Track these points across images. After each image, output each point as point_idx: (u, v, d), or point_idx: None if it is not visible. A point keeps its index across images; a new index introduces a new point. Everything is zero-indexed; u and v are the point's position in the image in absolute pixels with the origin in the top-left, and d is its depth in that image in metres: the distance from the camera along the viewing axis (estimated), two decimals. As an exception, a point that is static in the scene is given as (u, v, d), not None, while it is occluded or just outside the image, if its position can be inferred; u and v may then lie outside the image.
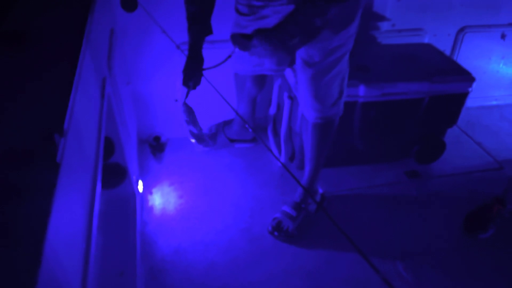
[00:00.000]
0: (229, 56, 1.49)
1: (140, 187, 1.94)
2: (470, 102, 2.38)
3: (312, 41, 1.41)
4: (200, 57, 1.54)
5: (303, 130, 1.88)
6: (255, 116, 2.22)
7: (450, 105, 2.06)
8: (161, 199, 2.00)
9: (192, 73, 1.54)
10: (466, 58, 2.52)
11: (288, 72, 1.92)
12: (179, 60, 1.98)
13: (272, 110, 2.32)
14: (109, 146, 1.53)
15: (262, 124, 2.43)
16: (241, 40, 1.37)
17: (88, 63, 1.19)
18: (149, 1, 1.77)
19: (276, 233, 1.82)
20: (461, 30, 2.47)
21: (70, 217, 0.80)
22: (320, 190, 2.00)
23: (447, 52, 2.51)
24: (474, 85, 2.01)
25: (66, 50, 1.06)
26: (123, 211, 1.72)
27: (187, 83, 1.55)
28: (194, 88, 1.57)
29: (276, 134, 2.34)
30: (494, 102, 2.83)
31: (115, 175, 1.64)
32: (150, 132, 2.35)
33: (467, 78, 1.97)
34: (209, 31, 1.51)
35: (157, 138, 2.34)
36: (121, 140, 1.56)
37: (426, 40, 2.42)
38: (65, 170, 0.75)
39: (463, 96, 2.03)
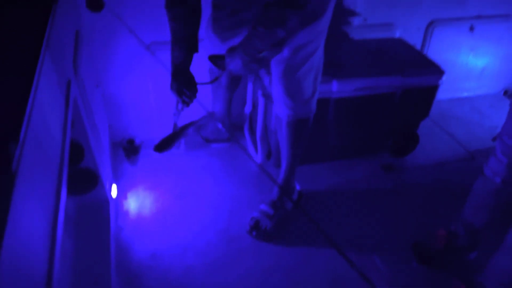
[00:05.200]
0: (217, 78, 1.55)
1: (114, 191, 1.90)
2: (441, 95, 2.42)
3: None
4: (189, 74, 1.53)
5: (277, 128, 1.87)
6: (231, 115, 2.20)
7: (421, 98, 2.09)
8: (136, 203, 1.96)
9: (186, 88, 1.52)
10: (436, 51, 2.56)
11: (262, 70, 1.90)
12: (150, 60, 1.95)
13: (248, 108, 2.30)
14: (78, 151, 1.49)
15: (238, 122, 2.41)
16: (216, 61, 1.43)
17: (49, 66, 1.15)
18: (116, 0, 1.72)
19: (254, 233, 1.81)
20: (431, 23, 2.51)
21: (29, 228, 0.77)
22: (298, 187, 1.99)
23: (418, 45, 2.54)
24: (445, 77, 2.05)
25: (25, 53, 1.02)
26: (96, 217, 1.67)
27: (182, 98, 1.54)
28: (187, 103, 1.56)
29: (252, 132, 2.33)
30: (465, 94, 2.89)
31: (85, 180, 1.59)
32: (124, 135, 2.29)
33: (437, 71, 2.00)
34: (196, 49, 1.50)
35: (131, 141, 2.29)
36: (91, 144, 1.52)
37: (397, 34, 2.44)
38: (23, 180, 0.72)
39: (434, 89, 2.06)
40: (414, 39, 2.51)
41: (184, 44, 1.47)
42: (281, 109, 1.70)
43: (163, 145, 1.63)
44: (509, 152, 1.40)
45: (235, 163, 2.21)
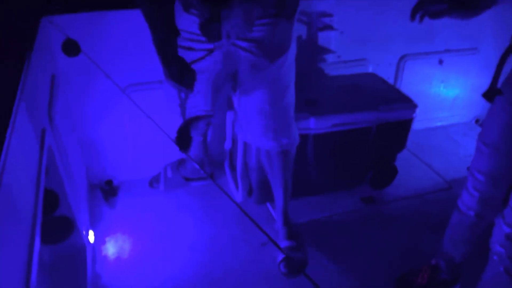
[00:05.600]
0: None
1: (91, 237, 1.84)
2: (416, 125, 2.48)
3: (252, 72, 1.49)
4: (180, 57, 1.44)
5: (264, 162, 1.87)
6: (209, 152, 2.20)
7: (397, 131, 2.14)
8: (115, 248, 1.90)
9: (184, 71, 1.42)
10: (409, 84, 2.65)
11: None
12: (126, 102, 1.94)
13: (228, 144, 2.30)
14: (53, 199, 1.45)
15: (218, 159, 2.41)
16: (210, 28, 1.35)
17: (23, 116, 1.13)
18: (91, 44, 1.73)
19: (293, 273, 1.75)
20: (402, 58, 2.60)
21: (2, 279, 0.73)
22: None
23: (391, 79, 2.63)
24: (419, 108, 2.10)
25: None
26: (72, 265, 1.61)
27: (182, 84, 1.43)
28: (191, 86, 1.44)
29: (233, 168, 2.32)
30: (439, 123, 2.98)
31: (61, 228, 1.54)
32: (102, 176, 2.25)
33: (410, 105, 2.06)
34: (178, 32, 1.42)
35: (109, 182, 2.25)
36: (66, 191, 1.48)
37: (370, 69, 2.52)
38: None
39: (408, 122, 2.11)
40: (387, 73, 2.59)
41: (166, 26, 1.39)
42: (266, 142, 1.71)
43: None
44: (480, 186, 1.43)
45: (216, 202, 2.18)
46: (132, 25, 1.90)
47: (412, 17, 1.09)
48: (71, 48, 1.67)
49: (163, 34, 1.38)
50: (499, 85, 1.31)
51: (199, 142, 2.07)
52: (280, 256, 1.80)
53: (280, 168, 1.80)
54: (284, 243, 1.85)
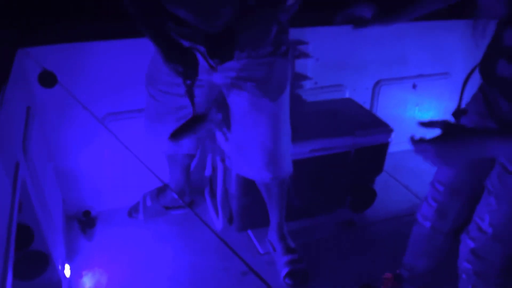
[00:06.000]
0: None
1: (67, 271, 1.79)
2: (394, 148, 2.53)
3: (250, 110, 1.53)
4: (178, 44, 1.31)
5: (262, 191, 1.89)
6: (191, 181, 2.19)
7: (374, 155, 2.18)
8: (92, 281, 1.84)
9: (184, 52, 1.30)
10: (385, 108, 2.72)
11: (219, 136, 1.92)
12: (104, 132, 1.93)
13: (208, 171, 2.30)
14: (27, 234, 1.41)
15: (199, 186, 2.39)
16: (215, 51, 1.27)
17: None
18: (68, 75, 1.73)
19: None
20: (377, 83, 2.68)
21: None
22: (261, 251, 1.98)
23: (367, 104, 2.69)
24: (395, 131, 2.15)
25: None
26: (47, 302, 1.56)
27: (186, 72, 1.30)
28: (195, 77, 1.31)
29: (213, 196, 2.31)
30: (415, 146, 3.04)
31: (35, 264, 1.50)
32: (79, 207, 2.21)
33: (386, 130, 2.11)
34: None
35: (87, 213, 2.20)
36: (41, 225, 1.44)
37: (347, 94, 2.58)
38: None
39: (385, 146, 2.16)
40: (364, 98, 2.66)
41: (155, 16, 1.29)
42: (266, 175, 1.71)
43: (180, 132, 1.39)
44: (439, 197, 1.47)
45: (196, 230, 2.15)
46: (110, 54, 1.92)
47: (337, 23, 1.17)
48: (47, 79, 1.65)
49: (156, 22, 1.29)
50: (464, 105, 1.37)
51: (182, 172, 2.07)
52: (284, 271, 1.85)
53: (278, 196, 1.85)
54: (285, 258, 1.89)
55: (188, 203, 2.23)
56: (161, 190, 2.16)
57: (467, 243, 1.32)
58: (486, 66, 1.18)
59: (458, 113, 1.34)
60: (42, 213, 1.47)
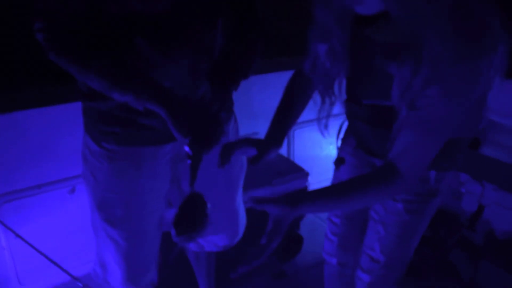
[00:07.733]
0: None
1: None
2: (316, 187, 2.58)
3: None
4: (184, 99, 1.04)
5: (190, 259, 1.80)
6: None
7: (294, 201, 2.18)
8: None
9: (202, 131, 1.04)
10: (302, 151, 2.78)
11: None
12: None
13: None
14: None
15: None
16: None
17: None
18: None
19: None
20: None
21: None
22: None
23: (284, 149, 2.73)
24: (315, 170, 2.18)
25: None
26: None
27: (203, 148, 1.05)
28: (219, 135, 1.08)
29: None
30: (336, 183, 3.13)
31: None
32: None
33: (302, 174, 2.14)
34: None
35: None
36: None
37: (263, 142, 2.60)
38: None
39: (303, 190, 2.17)
40: (280, 144, 2.69)
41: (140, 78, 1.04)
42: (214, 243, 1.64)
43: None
44: (336, 229, 1.44)
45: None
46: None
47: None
48: None
49: (145, 80, 1.03)
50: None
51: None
52: None
53: (208, 263, 1.78)
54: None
55: None
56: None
57: (362, 279, 1.31)
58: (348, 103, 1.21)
59: (337, 161, 1.41)
60: None
